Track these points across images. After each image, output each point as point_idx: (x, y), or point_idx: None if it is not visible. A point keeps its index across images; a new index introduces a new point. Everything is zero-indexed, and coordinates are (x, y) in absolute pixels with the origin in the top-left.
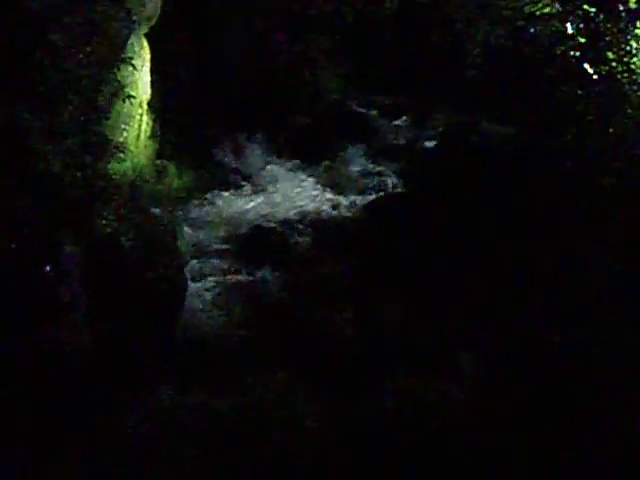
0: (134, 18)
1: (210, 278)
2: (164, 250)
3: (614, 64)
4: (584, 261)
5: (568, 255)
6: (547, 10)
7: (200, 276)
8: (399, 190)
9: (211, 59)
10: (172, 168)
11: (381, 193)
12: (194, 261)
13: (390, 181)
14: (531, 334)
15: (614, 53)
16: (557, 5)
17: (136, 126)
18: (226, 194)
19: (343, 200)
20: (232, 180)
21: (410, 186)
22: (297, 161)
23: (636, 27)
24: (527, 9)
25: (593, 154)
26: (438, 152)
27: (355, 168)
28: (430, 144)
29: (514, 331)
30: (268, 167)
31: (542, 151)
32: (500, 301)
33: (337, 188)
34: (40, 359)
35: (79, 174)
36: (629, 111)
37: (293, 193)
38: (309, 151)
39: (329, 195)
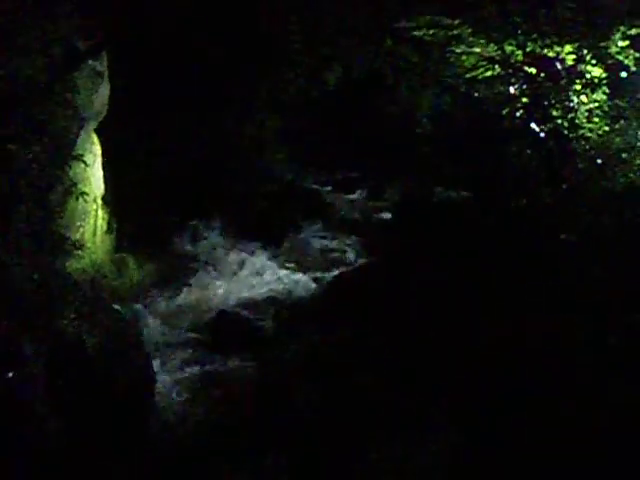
0: (82, 115)
1: (178, 369)
2: (129, 346)
3: (559, 121)
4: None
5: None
6: (489, 74)
7: (168, 368)
8: (360, 263)
9: (162, 149)
10: (131, 261)
11: (343, 268)
12: (161, 353)
13: (350, 255)
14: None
15: (557, 110)
16: (498, 68)
17: (92, 222)
18: (188, 282)
19: (306, 278)
20: (193, 268)
21: (370, 258)
22: (257, 243)
23: (575, 83)
24: (469, 74)
25: (547, 210)
26: (395, 222)
27: (315, 245)
28: (387, 216)
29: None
30: (229, 252)
31: (496, 211)
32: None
33: (299, 267)
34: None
35: (36, 276)
36: (580, 166)
37: (256, 276)
38: (269, 232)
39: (292, 274)
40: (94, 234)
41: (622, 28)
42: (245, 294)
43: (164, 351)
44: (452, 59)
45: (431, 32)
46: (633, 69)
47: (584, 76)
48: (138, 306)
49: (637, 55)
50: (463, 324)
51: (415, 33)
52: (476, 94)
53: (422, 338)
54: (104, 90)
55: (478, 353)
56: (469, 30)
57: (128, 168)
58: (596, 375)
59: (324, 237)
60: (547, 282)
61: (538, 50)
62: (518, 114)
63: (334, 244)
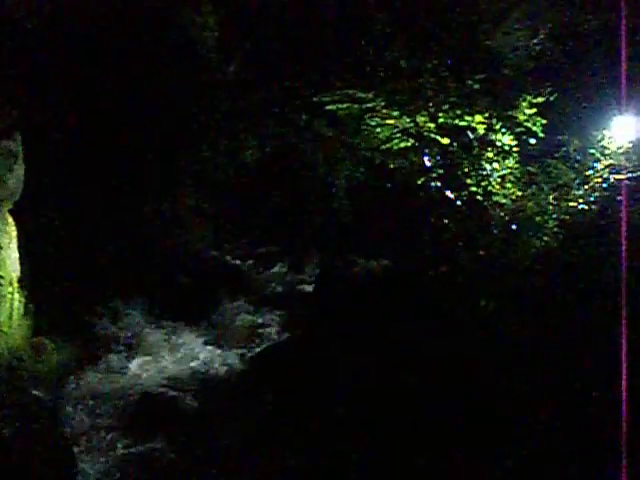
0: None
1: (101, 455)
2: (48, 433)
3: (473, 189)
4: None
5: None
6: (403, 145)
7: (89, 453)
8: (283, 338)
9: (80, 229)
10: (50, 344)
11: (266, 343)
12: (82, 439)
13: (273, 330)
14: None
15: (472, 178)
16: (412, 140)
17: (7, 305)
18: (109, 364)
19: (230, 354)
20: (114, 349)
21: (293, 332)
22: (180, 321)
23: (487, 151)
24: (384, 146)
25: (466, 276)
26: (316, 295)
27: (238, 321)
28: (308, 288)
29: None
30: (150, 331)
31: (416, 279)
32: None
33: (223, 343)
34: None
35: None
36: (495, 232)
37: (179, 354)
38: (189, 309)
39: (216, 351)
40: (10, 318)
41: (528, 97)
42: (168, 373)
43: (85, 436)
44: (367, 131)
45: (345, 105)
46: (541, 135)
47: (495, 144)
48: (58, 391)
49: (544, 122)
50: (388, 396)
51: (329, 107)
52: (391, 165)
53: (347, 411)
54: (19, 170)
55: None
56: (382, 103)
57: (45, 249)
58: None
59: (247, 312)
60: (468, 349)
61: (450, 120)
62: (433, 183)
63: (257, 319)
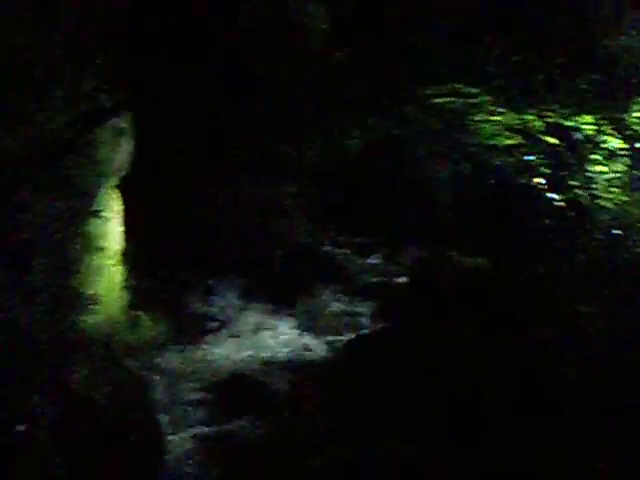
0: (104, 171)
1: (188, 430)
2: (139, 403)
3: (578, 191)
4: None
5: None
6: (508, 142)
7: (177, 428)
8: (375, 329)
9: (180, 208)
10: (146, 318)
11: (357, 333)
12: (171, 412)
13: (365, 320)
14: None
15: (576, 180)
16: (518, 137)
17: (108, 278)
18: (201, 342)
19: (320, 342)
20: (206, 327)
21: (385, 323)
22: (271, 305)
23: (594, 153)
24: (488, 142)
25: (565, 280)
26: (410, 288)
27: (330, 309)
28: (402, 280)
29: None
30: (243, 312)
31: (515, 282)
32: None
33: (313, 330)
34: None
35: (51, 329)
36: (598, 236)
37: (269, 337)
38: (283, 295)
39: (305, 338)
40: (110, 290)
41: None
42: (258, 356)
43: (174, 409)
44: (472, 127)
45: (452, 100)
46: None
47: (603, 147)
48: (151, 364)
49: None
50: (477, 394)
51: (436, 101)
52: (496, 162)
53: (435, 406)
54: (126, 147)
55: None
56: (490, 99)
57: (147, 225)
58: None
59: (340, 300)
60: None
61: (558, 120)
62: (538, 183)
63: (349, 308)
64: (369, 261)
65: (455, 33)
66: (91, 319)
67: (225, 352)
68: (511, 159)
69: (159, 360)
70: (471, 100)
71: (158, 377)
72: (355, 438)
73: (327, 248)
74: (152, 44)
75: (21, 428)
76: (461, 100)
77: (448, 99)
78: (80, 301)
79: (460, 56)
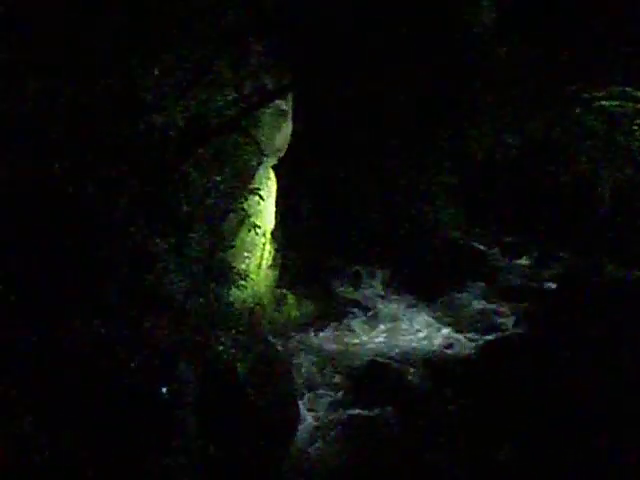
0: (263, 151)
1: (324, 411)
2: (279, 379)
3: None
4: None
5: None
6: None
7: (314, 408)
8: (518, 331)
9: (331, 194)
10: (291, 298)
11: (499, 333)
12: (308, 392)
13: (509, 322)
14: None
15: None
16: None
17: (258, 255)
18: (343, 327)
19: (460, 339)
20: (350, 313)
21: (528, 328)
22: (414, 296)
23: None
24: None
25: None
26: (559, 294)
27: (473, 306)
28: (551, 286)
29: None
30: (386, 301)
31: None
32: None
33: (454, 326)
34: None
35: (202, 300)
36: None
37: (410, 329)
38: (427, 287)
39: (448, 333)
40: (259, 267)
41: None
42: (398, 346)
43: (311, 390)
44: (637, 132)
45: (620, 103)
46: None
47: None
48: (293, 342)
49: None
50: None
51: (603, 103)
52: None
53: (568, 419)
54: (286, 129)
55: None
56: None
57: (299, 208)
58: None
59: (485, 299)
60: None
61: None
62: None
63: (493, 308)
64: (518, 262)
65: (628, 36)
66: (239, 294)
67: (366, 339)
68: None
69: (303, 340)
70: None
71: (301, 356)
72: (477, 439)
73: (478, 245)
74: (320, 30)
75: (165, 391)
76: (630, 104)
77: (617, 102)
78: (230, 275)
79: (631, 59)
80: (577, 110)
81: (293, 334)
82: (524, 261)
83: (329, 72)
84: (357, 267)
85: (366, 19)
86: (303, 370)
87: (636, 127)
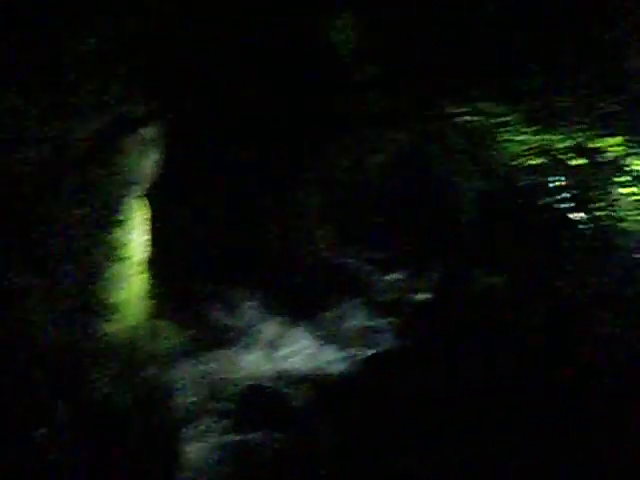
0: (130, 180)
1: (205, 439)
2: (158, 410)
3: (601, 213)
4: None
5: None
6: (534, 162)
7: (195, 437)
8: (396, 344)
9: (205, 218)
10: (167, 327)
11: (378, 348)
12: (189, 420)
13: (387, 336)
14: None
15: (600, 203)
16: (543, 158)
17: (131, 286)
18: (221, 352)
19: (340, 356)
20: (227, 338)
21: (407, 341)
22: (292, 317)
23: (619, 176)
24: (513, 162)
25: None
26: (434, 305)
27: (351, 323)
28: (425, 297)
29: None
30: (263, 323)
31: (534, 299)
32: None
33: (335, 343)
34: None
35: (74, 335)
36: (620, 258)
37: (289, 349)
38: (304, 306)
39: (327, 351)
40: (132, 298)
41: None
42: (277, 367)
43: (192, 418)
44: (499, 146)
45: (479, 118)
46: None
47: (628, 169)
48: (172, 372)
49: None
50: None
51: (463, 119)
52: (521, 182)
53: (451, 429)
54: (154, 156)
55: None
56: (515, 118)
57: (169, 236)
58: None
59: (362, 315)
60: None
61: (583, 141)
62: (561, 205)
63: (371, 323)
64: (393, 277)
65: (484, 52)
66: (113, 327)
67: (246, 363)
68: (536, 179)
69: (181, 369)
70: (498, 119)
71: (180, 385)
72: (367, 455)
73: (351, 262)
74: (185, 55)
75: (43, 431)
76: (490, 119)
77: (476, 118)
78: (103, 309)
79: (489, 75)
80: (437, 126)
81: (171, 363)
82: (398, 275)
83: (197, 98)
84: (233, 291)
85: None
86: (184, 400)
87: (495, 141)
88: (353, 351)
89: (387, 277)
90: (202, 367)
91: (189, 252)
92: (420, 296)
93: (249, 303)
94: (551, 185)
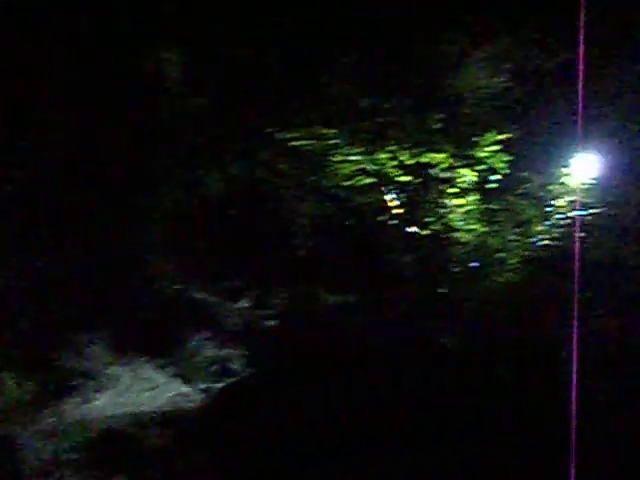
0: None
1: None
2: (8, 467)
3: (434, 225)
4: None
5: None
6: (365, 182)
7: None
8: (247, 373)
9: (44, 266)
10: (9, 379)
11: (230, 379)
12: (43, 475)
13: (238, 365)
14: None
15: (432, 215)
16: (372, 177)
17: None
18: (73, 399)
19: (194, 390)
20: (77, 383)
21: (257, 368)
22: (144, 355)
23: (448, 188)
24: (346, 183)
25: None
26: (281, 331)
27: (202, 356)
28: (272, 323)
29: None
30: (113, 365)
31: (381, 319)
32: None
33: (188, 378)
34: None
35: None
36: (456, 268)
37: (143, 389)
38: (152, 343)
39: (179, 386)
40: None
41: (489, 135)
42: (132, 408)
43: (44, 473)
44: (330, 168)
45: (309, 142)
46: (505, 172)
47: (456, 181)
48: (17, 427)
49: (507, 158)
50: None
51: (293, 144)
52: (355, 202)
53: (307, 456)
54: None
55: None
56: (345, 140)
57: (7, 283)
58: None
59: (212, 347)
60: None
61: (410, 158)
62: (394, 221)
63: (221, 354)
64: (238, 305)
65: (307, 75)
66: None
67: (98, 407)
68: (369, 198)
69: (26, 423)
70: (328, 142)
71: (30, 439)
72: None
73: (196, 294)
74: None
75: None
76: (319, 142)
77: (306, 142)
78: None
79: (314, 99)
80: (268, 152)
81: (16, 418)
82: (243, 303)
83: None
84: (77, 334)
85: None
86: (31, 454)
87: (327, 164)
88: (206, 384)
89: (234, 306)
90: (52, 417)
91: (25, 297)
92: (267, 322)
93: (97, 345)
94: (385, 203)
